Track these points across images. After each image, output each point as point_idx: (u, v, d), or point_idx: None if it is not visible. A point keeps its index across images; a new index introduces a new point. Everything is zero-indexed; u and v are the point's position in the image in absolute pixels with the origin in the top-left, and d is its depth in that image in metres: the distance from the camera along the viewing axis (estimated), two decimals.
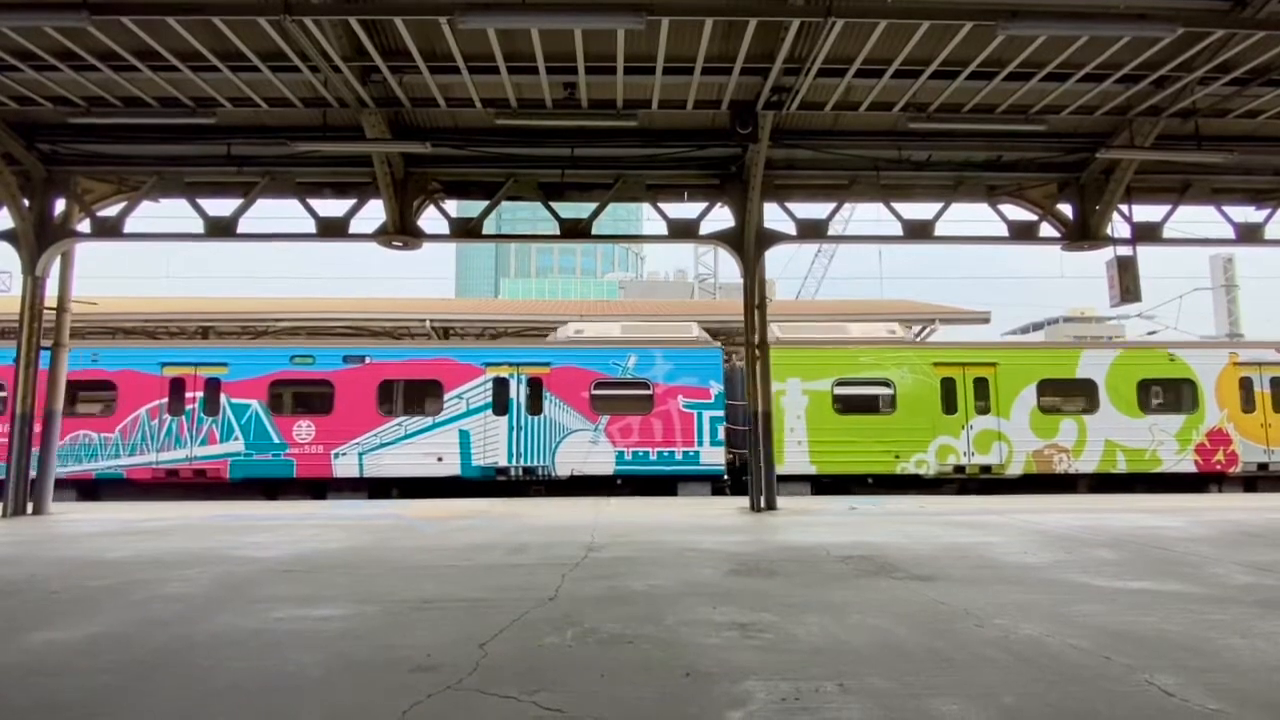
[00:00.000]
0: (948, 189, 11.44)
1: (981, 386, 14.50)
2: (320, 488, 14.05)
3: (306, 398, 14.35)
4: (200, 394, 13.92)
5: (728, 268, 52.15)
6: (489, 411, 14.04)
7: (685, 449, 14.01)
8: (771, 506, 10.35)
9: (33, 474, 10.51)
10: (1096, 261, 18.81)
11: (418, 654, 3.48)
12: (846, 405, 14.37)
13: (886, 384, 14.44)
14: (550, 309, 25.47)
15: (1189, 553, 6.28)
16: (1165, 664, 3.26)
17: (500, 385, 14.14)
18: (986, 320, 20.26)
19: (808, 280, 49.48)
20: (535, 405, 14.12)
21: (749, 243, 10.83)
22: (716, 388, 14.18)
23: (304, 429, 13.90)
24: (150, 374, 13.94)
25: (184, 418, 13.87)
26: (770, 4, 7.77)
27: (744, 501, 10.74)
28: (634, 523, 8.65)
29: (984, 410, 14.40)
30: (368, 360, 14.09)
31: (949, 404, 14.39)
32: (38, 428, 10.65)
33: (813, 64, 8.42)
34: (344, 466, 13.81)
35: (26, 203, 10.65)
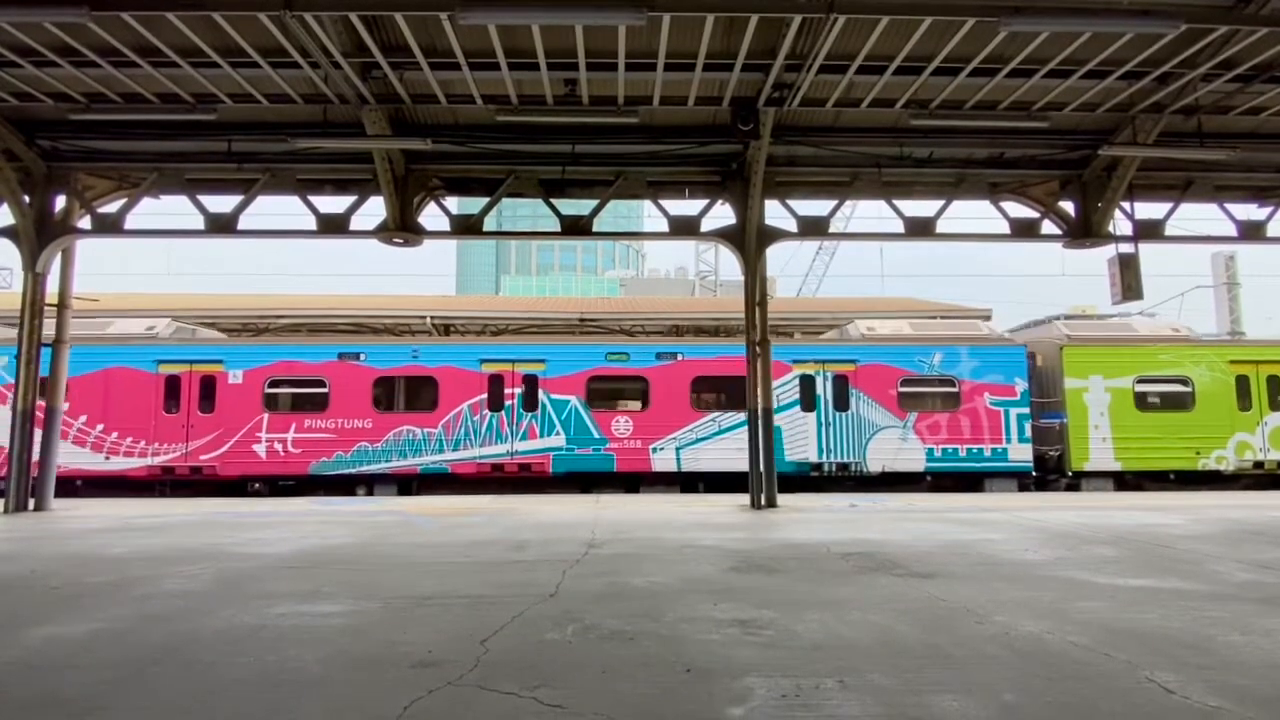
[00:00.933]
0: (949, 186, 11.42)
1: (1275, 383, 14.86)
2: (634, 481, 14.39)
3: (622, 393, 14.71)
4: (519, 390, 14.26)
5: (728, 265, 52.12)
6: (797, 408, 14.36)
7: (994, 446, 14.26)
8: (772, 504, 10.35)
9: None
10: (1097, 259, 18.71)
11: (419, 650, 3.48)
12: (1148, 402, 14.65)
13: (1184, 381, 14.72)
14: (551, 306, 25.49)
15: (1190, 550, 6.28)
16: (1165, 661, 3.26)
17: (807, 382, 14.45)
18: (987, 318, 20.23)
19: (808, 278, 49.45)
20: (841, 402, 14.41)
21: (750, 240, 10.82)
22: (1022, 385, 14.44)
23: (622, 424, 14.25)
24: (470, 370, 14.27)
25: (504, 413, 14.18)
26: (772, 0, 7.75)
27: (744, 499, 10.74)
28: (634, 520, 8.65)
29: (1278, 406, 14.74)
30: (680, 357, 14.48)
31: (1244, 401, 14.70)
32: (43, 429, 10.68)
33: (814, 60, 8.40)
34: (661, 461, 14.14)
35: (27, 199, 10.65)
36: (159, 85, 9.19)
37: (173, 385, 13.93)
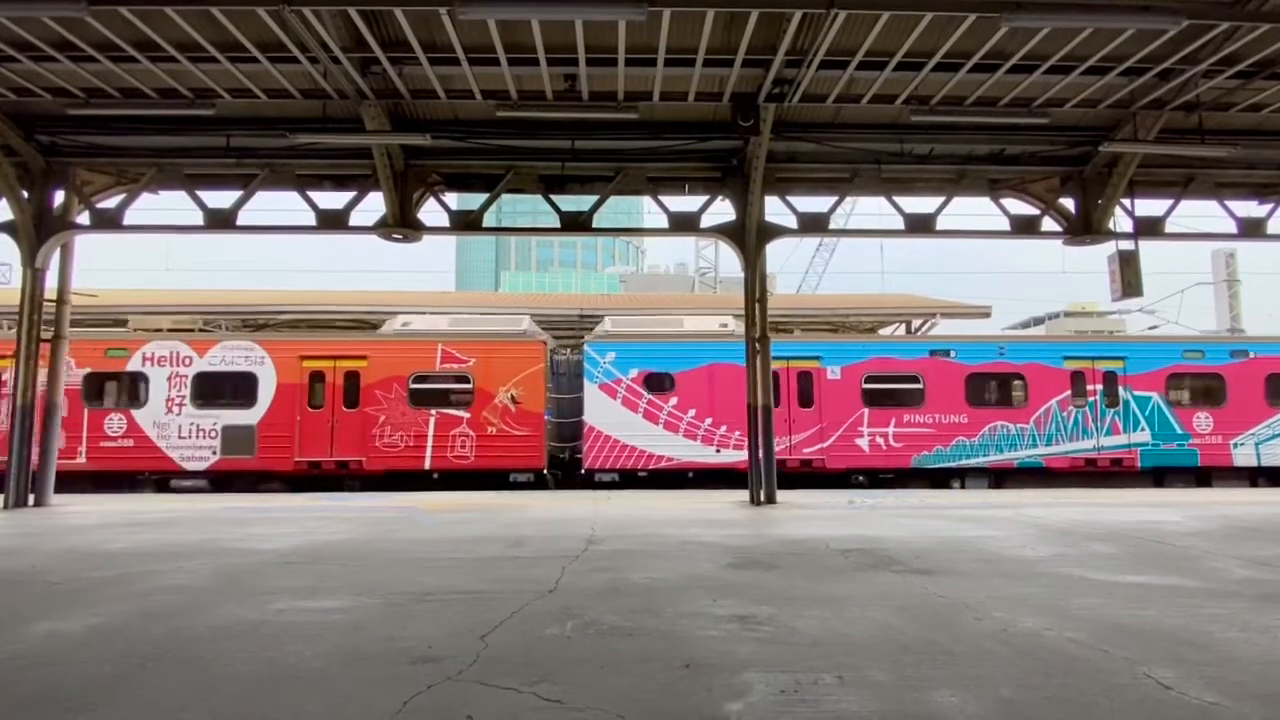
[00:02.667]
0: (950, 183, 11.40)
1: None
2: (1206, 476, 14.60)
3: (1201, 390, 14.88)
4: (1099, 386, 14.57)
5: (728, 261, 52.05)
6: None
7: None
8: (771, 500, 10.36)
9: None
10: (1097, 256, 18.72)
11: (418, 645, 3.49)
12: None
13: None
14: (551, 302, 25.48)
15: (1188, 547, 6.29)
16: (1163, 657, 3.27)
17: None
18: (987, 315, 20.24)
19: (808, 275, 49.39)
20: None
21: (750, 236, 10.80)
22: None
23: (1201, 420, 14.49)
24: (1054, 367, 14.59)
25: (1087, 409, 14.43)
26: None
27: (744, 495, 10.76)
28: (634, 516, 8.66)
29: None
30: (1251, 355, 14.83)
31: None
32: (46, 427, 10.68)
33: (815, 56, 8.38)
34: (1242, 456, 14.39)
35: (25, 194, 10.62)
36: (157, 80, 9.16)
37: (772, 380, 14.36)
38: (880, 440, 14.27)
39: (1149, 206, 11.66)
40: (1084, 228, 11.30)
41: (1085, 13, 7.53)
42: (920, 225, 11.28)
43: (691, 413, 14.12)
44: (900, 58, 8.61)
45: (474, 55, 8.55)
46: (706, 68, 8.86)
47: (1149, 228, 11.59)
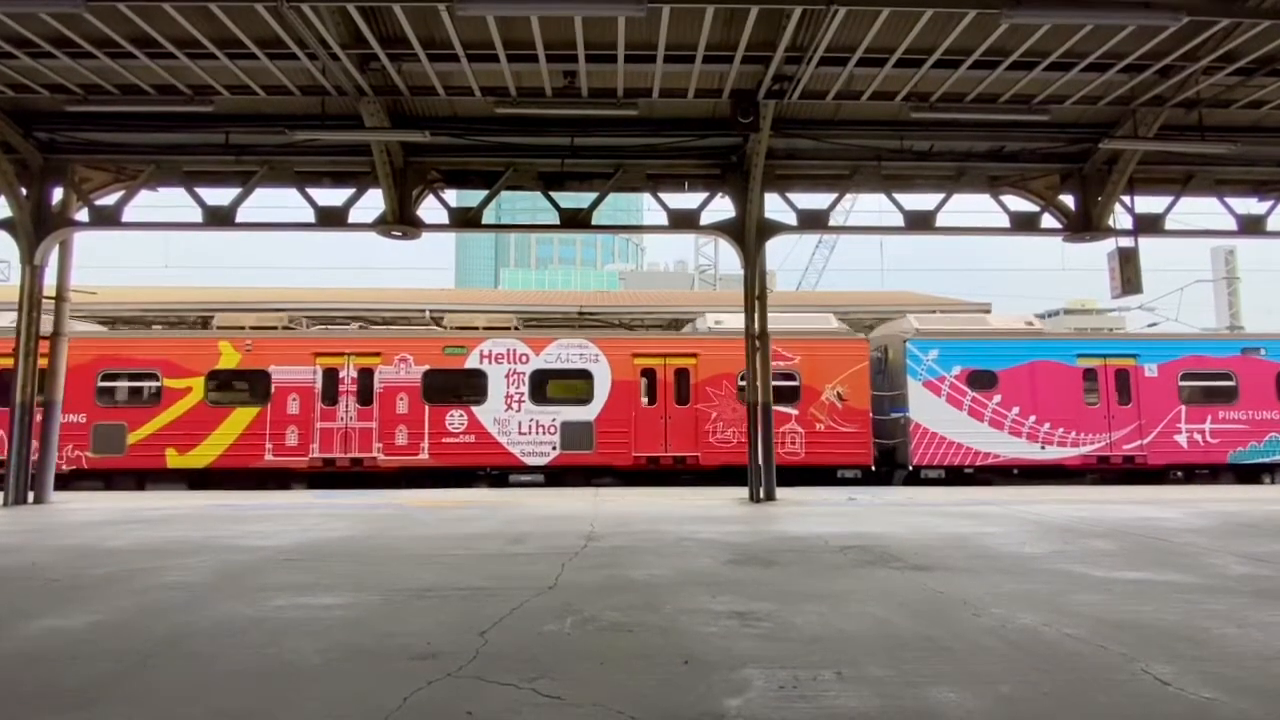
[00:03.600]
0: (949, 180, 11.39)
1: None
2: None
3: None
4: None
5: (728, 259, 52.07)
6: None
7: None
8: (770, 497, 10.38)
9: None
10: (1097, 253, 18.66)
11: (418, 642, 3.49)
12: None
13: None
14: (551, 299, 25.46)
15: (1186, 544, 6.30)
16: (1161, 653, 3.28)
17: None
18: (987, 312, 20.22)
19: (808, 272, 49.40)
20: None
21: (750, 233, 10.80)
22: None
23: None
24: None
25: None
26: None
27: (744, 492, 10.77)
28: (634, 513, 8.67)
29: None
30: None
31: None
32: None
33: (814, 52, 8.36)
34: None
35: (24, 191, 10.60)
36: (156, 77, 9.14)
37: (1089, 377, 14.64)
38: (1198, 436, 14.51)
39: (1149, 203, 11.67)
40: (1084, 225, 11.29)
41: (1085, 9, 7.51)
42: (920, 222, 11.27)
43: (1015, 410, 14.34)
44: (900, 54, 8.60)
45: (473, 52, 8.53)
46: (706, 64, 8.85)
47: (1149, 225, 11.58)
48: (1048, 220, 11.49)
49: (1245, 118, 10.36)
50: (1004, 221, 11.56)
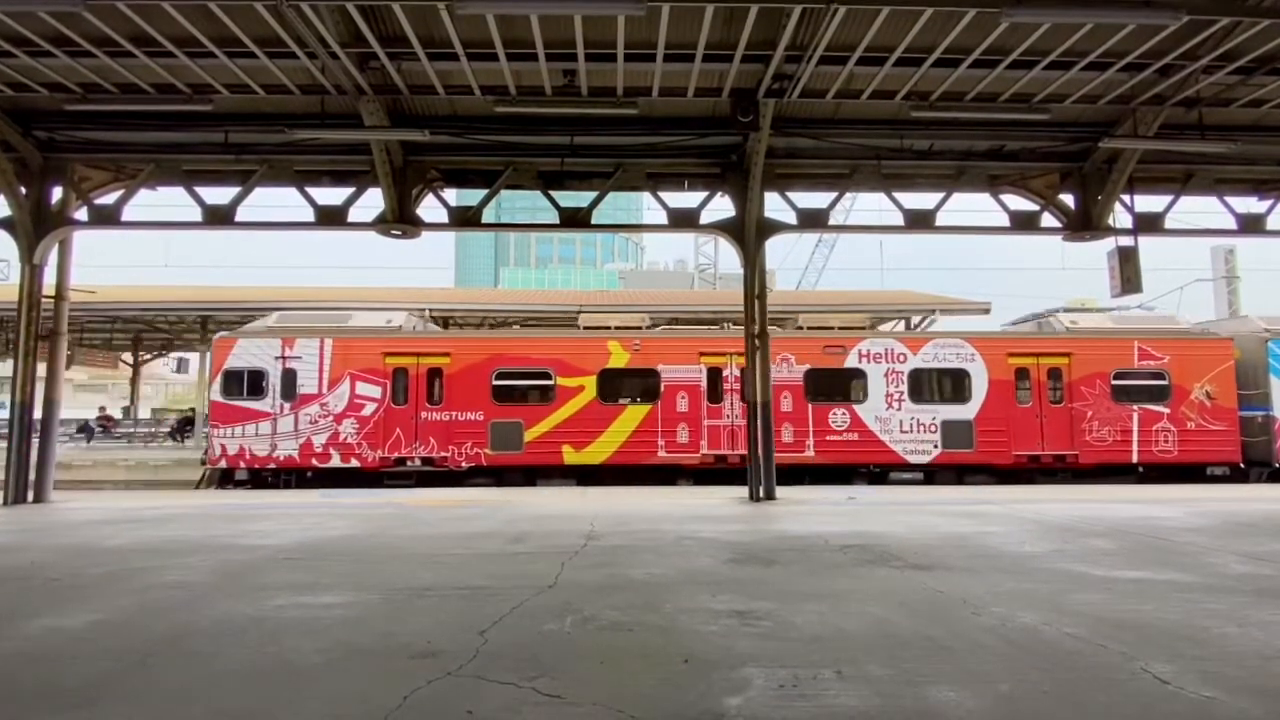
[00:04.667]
0: (949, 179, 11.38)
1: None
2: None
3: None
4: None
5: (728, 258, 52.08)
6: None
7: None
8: (770, 496, 10.37)
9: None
10: (1097, 252, 18.73)
11: (418, 641, 3.50)
12: None
13: None
14: (551, 299, 25.45)
15: (1186, 543, 6.30)
16: (1161, 652, 3.28)
17: None
18: (987, 311, 20.27)
19: (808, 271, 49.40)
20: None
21: (749, 232, 10.79)
22: None
23: None
24: None
25: None
26: None
27: (744, 491, 10.77)
28: (633, 512, 8.67)
29: None
30: None
31: None
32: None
33: (814, 51, 8.35)
34: None
35: (24, 190, 10.59)
36: (155, 76, 9.13)
37: None
38: None
39: (1149, 202, 11.65)
40: (1084, 224, 11.29)
41: (1085, 8, 7.50)
42: (920, 221, 11.27)
43: None
44: (900, 53, 8.58)
45: (472, 51, 8.52)
46: (706, 63, 8.84)
47: (1149, 224, 11.58)
48: (1047, 219, 11.48)
49: (1245, 117, 10.35)
50: (1004, 221, 11.55)
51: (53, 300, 10.98)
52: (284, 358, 13.58)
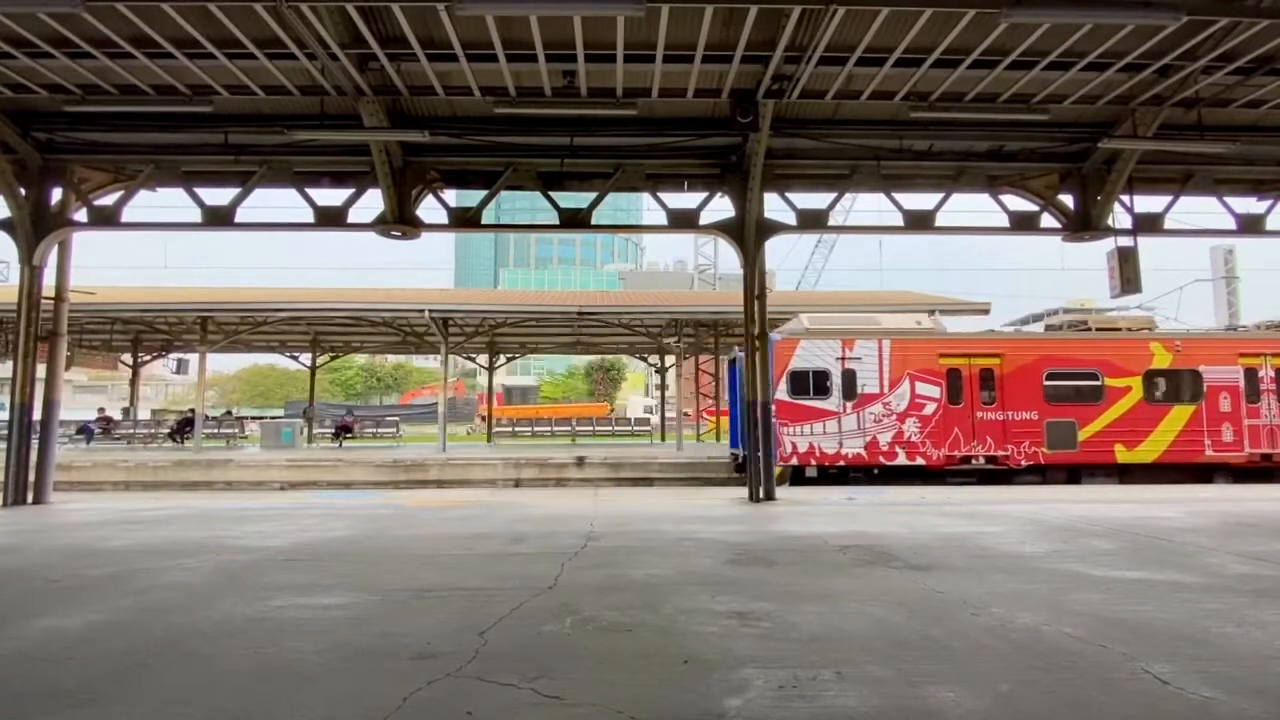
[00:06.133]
0: (949, 179, 11.38)
1: None
2: None
3: None
4: None
5: (727, 259, 52.13)
6: None
7: None
8: (770, 497, 10.37)
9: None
10: (1096, 253, 18.63)
11: (417, 642, 3.49)
12: None
13: None
14: (551, 299, 25.44)
15: (1186, 543, 6.30)
16: (1161, 652, 3.28)
17: None
18: (986, 311, 20.25)
19: (807, 271, 49.44)
20: None
21: (749, 233, 10.79)
22: None
23: None
24: None
25: None
26: None
27: (744, 492, 10.77)
28: (633, 512, 8.67)
29: None
30: None
31: None
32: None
33: (814, 52, 8.35)
34: None
35: (23, 191, 10.58)
36: (155, 77, 9.13)
37: None
38: None
39: (1148, 203, 11.65)
40: (1083, 224, 11.29)
41: (1084, 8, 7.51)
42: (919, 222, 11.27)
43: None
44: (899, 54, 8.59)
45: (472, 51, 8.52)
46: (705, 64, 8.84)
47: (1148, 224, 11.58)
48: (1047, 220, 11.48)
49: (1244, 117, 10.35)
50: (1003, 221, 11.55)
51: (52, 301, 10.97)
52: (843, 358, 14.24)
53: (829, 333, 14.48)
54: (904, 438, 14.01)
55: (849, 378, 14.13)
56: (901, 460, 13.93)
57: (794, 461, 13.94)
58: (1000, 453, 13.99)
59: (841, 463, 13.93)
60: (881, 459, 13.96)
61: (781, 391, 13.97)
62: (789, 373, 14.04)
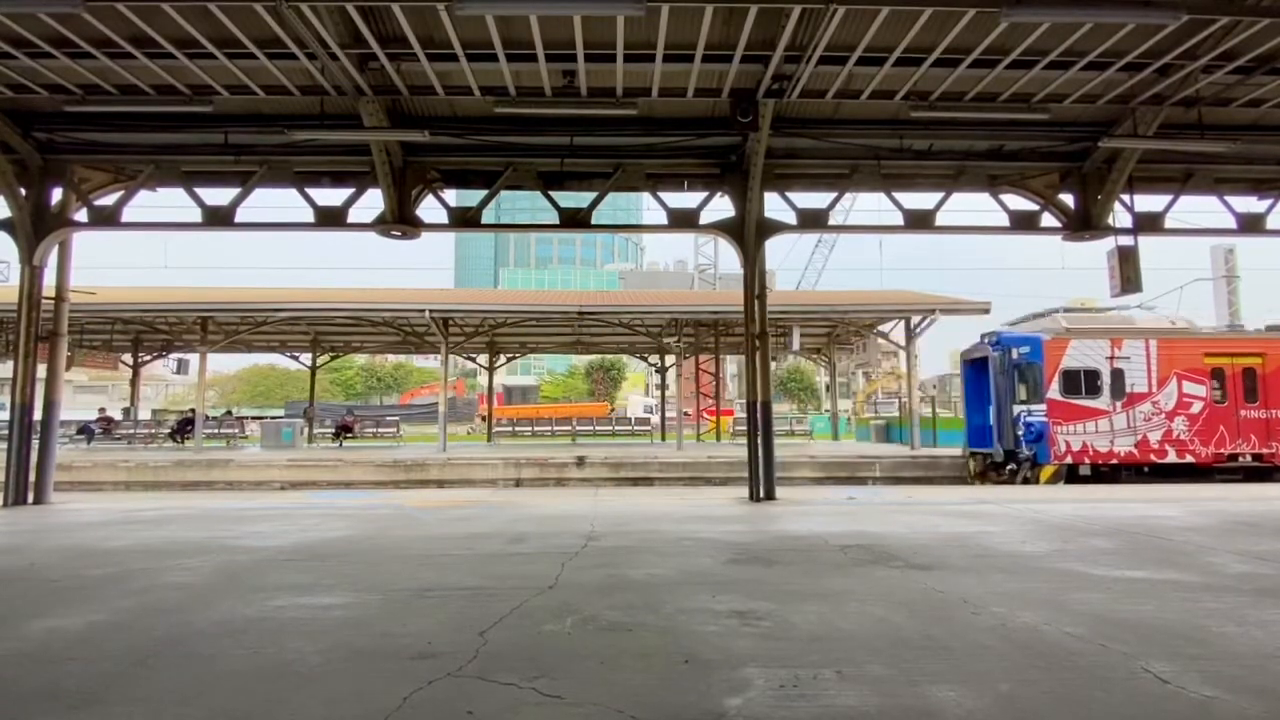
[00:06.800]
0: (949, 179, 11.38)
1: None
2: None
3: None
4: None
5: (727, 258, 52.16)
6: None
7: None
8: (770, 496, 10.37)
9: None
10: (1096, 252, 18.71)
11: (418, 642, 3.50)
12: None
13: None
14: (551, 299, 25.43)
15: (1186, 542, 6.30)
16: (1161, 651, 3.28)
17: None
18: (987, 311, 20.24)
19: (808, 271, 49.45)
20: None
21: (749, 233, 10.79)
22: None
23: None
24: None
25: None
26: None
27: (743, 491, 10.77)
28: (633, 512, 8.67)
29: None
30: None
31: None
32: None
33: (814, 51, 8.35)
34: None
35: (23, 192, 10.58)
36: (155, 77, 9.13)
37: None
38: None
39: (1148, 202, 11.64)
40: (1083, 223, 11.29)
41: (1085, 7, 7.50)
42: (919, 221, 11.26)
43: None
44: (900, 53, 8.58)
45: (472, 51, 8.52)
46: (705, 63, 8.84)
47: (1148, 223, 11.57)
48: (1047, 219, 11.48)
49: (1245, 116, 10.34)
50: (1004, 220, 11.54)
51: (52, 301, 10.98)
52: (1112, 358, 14.55)
53: (1098, 332, 14.75)
54: (1173, 435, 14.29)
55: (1117, 377, 14.43)
56: (1171, 458, 14.22)
57: (1068, 460, 14.16)
58: (1265, 450, 14.25)
59: (1114, 460, 14.24)
60: (1153, 456, 14.26)
61: (1054, 391, 14.27)
62: (1061, 371, 14.33)
